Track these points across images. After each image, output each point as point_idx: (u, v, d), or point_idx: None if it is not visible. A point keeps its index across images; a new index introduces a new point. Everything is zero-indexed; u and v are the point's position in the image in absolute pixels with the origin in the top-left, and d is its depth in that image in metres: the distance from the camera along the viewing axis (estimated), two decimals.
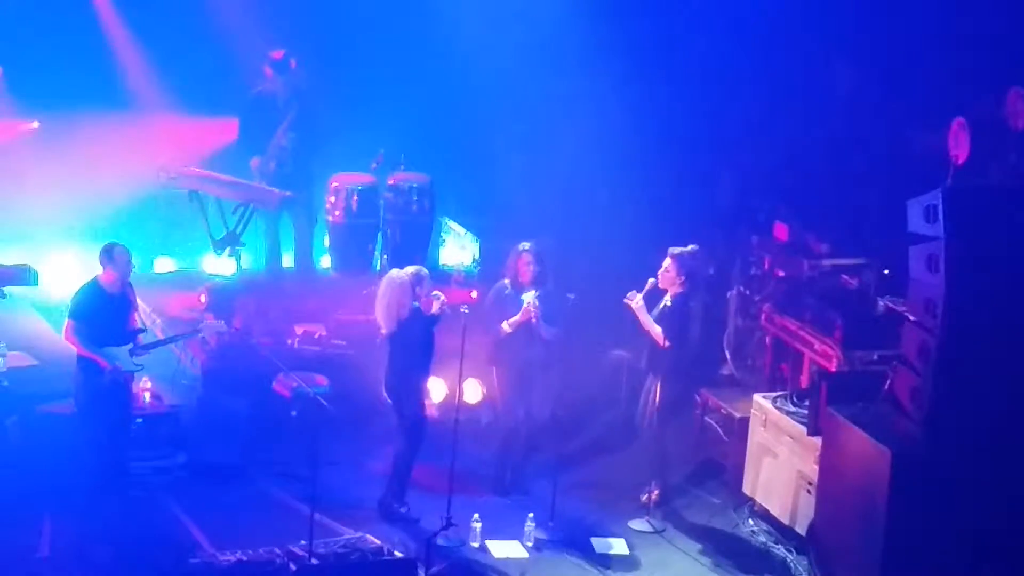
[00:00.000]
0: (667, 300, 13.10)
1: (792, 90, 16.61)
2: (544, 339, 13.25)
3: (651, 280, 13.12)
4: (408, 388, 12.71)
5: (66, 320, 12.30)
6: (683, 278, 13.10)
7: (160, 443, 13.24)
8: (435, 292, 12.78)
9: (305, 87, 16.51)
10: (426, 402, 12.80)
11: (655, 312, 13.09)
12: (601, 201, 16.55)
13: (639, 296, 13.06)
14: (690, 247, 13.25)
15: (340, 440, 13.37)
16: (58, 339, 12.50)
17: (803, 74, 16.50)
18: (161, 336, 13.80)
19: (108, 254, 12.33)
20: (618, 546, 12.73)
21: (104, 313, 12.27)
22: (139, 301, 12.66)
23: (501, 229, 15.86)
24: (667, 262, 13.14)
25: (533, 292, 13.23)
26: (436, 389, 13.38)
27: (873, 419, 11.58)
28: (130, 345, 12.35)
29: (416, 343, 12.65)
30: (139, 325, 12.61)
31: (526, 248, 13.37)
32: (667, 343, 13.00)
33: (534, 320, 13.14)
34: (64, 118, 16.37)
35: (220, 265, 16.24)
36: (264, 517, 12.61)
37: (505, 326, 13.22)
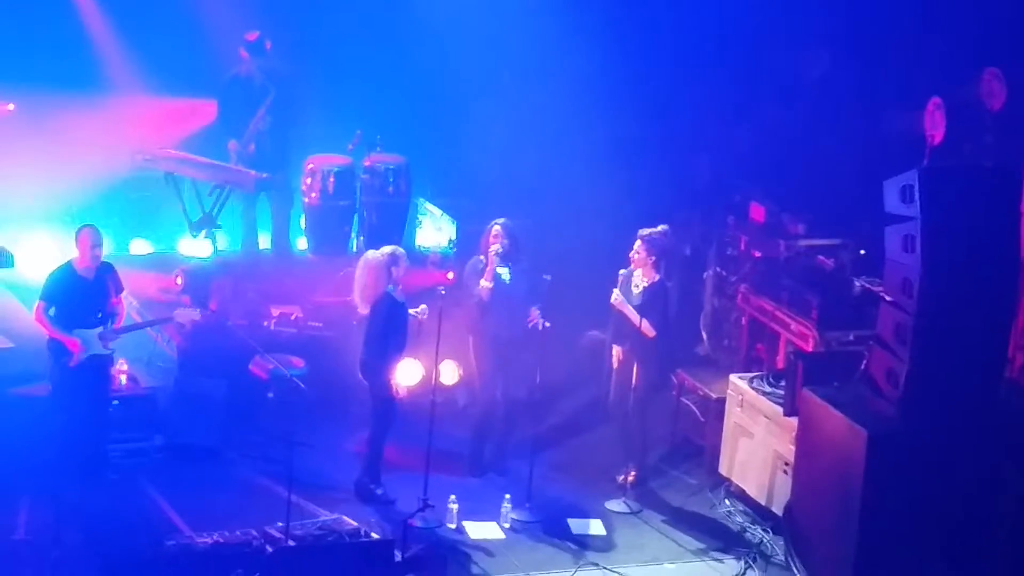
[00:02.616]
0: (643, 282, 13.10)
1: (769, 71, 16.62)
2: (522, 313, 13.28)
3: (616, 293, 13.13)
4: (379, 368, 12.71)
5: (36, 301, 12.32)
6: (654, 258, 13.11)
7: (136, 425, 13.19)
8: (422, 307, 12.77)
9: (281, 69, 16.46)
10: (392, 383, 12.75)
11: (630, 294, 13.10)
12: (578, 183, 16.50)
13: (616, 291, 13.08)
14: (660, 227, 13.26)
15: (317, 422, 13.35)
16: (34, 321, 12.47)
17: (780, 55, 16.51)
18: (138, 319, 13.75)
19: (77, 236, 12.36)
20: (595, 527, 12.74)
21: (75, 296, 12.28)
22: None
23: (478, 211, 15.78)
24: (637, 243, 13.14)
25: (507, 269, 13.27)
26: (412, 370, 13.35)
27: (849, 399, 11.61)
28: (100, 328, 12.34)
29: (391, 323, 12.64)
30: (119, 309, 12.62)
31: (498, 223, 13.37)
32: (653, 332, 13.01)
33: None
34: (40, 100, 16.24)
35: (196, 247, 16.15)
36: (241, 499, 12.60)
37: (484, 283, 13.21)
